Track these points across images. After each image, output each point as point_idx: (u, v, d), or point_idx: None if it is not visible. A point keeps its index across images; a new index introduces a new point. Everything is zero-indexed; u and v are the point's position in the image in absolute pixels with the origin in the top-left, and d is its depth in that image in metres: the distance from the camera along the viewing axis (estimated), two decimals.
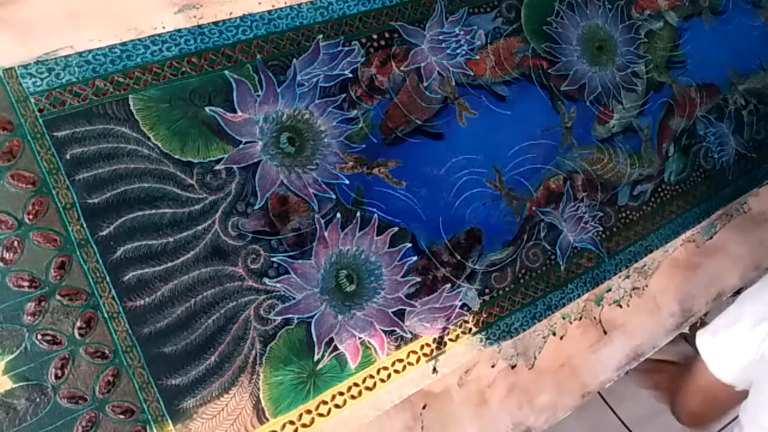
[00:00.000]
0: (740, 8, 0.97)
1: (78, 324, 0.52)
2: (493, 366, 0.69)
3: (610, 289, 0.77)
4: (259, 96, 0.62)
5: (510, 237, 0.72)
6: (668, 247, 0.82)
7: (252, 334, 0.58)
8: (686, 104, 0.88)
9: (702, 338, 0.67)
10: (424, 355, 0.65)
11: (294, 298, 0.60)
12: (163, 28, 0.60)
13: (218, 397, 0.55)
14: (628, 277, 0.78)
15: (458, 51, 0.73)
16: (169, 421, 0.53)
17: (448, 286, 0.67)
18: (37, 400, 0.50)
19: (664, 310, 0.80)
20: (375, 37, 0.69)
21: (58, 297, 0.52)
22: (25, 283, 0.51)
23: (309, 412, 0.59)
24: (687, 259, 0.83)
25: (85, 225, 0.54)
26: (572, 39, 0.81)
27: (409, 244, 0.66)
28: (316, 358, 0.60)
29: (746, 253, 0.87)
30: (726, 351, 0.64)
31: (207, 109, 0.60)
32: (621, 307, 0.77)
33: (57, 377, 0.51)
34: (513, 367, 0.70)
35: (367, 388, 0.62)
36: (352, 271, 0.63)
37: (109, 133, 0.56)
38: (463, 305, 0.68)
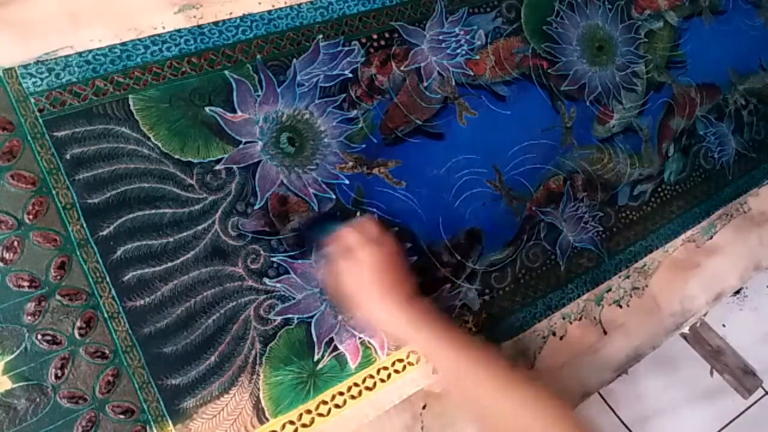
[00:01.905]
0: (740, 8, 0.97)
1: (78, 324, 0.52)
2: None
3: (610, 289, 0.77)
4: (259, 96, 0.62)
5: (510, 237, 0.72)
6: (668, 247, 0.82)
7: (252, 334, 0.58)
8: (686, 104, 0.88)
9: None
10: None
11: (294, 298, 0.60)
12: (163, 28, 0.60)
13: (218, 397, 0.55)
14: (628, 277, 0.78)
15: (458, 51, 0.73)
16: (169, 421, 0.53)
17: (448, 286, 0.67)
18: (37, 400, 0.50)
19: (664, 310, 0.80)
20: (375, 37, 0.69)
21: (58, 297, 0.52)
22: (25, 283, 0.51)
23: (309, 412, 0.59)
24: (687, 259, 0.83)
25: (85, 225, 0.54)
26: (572, 39, 0.81)
27: (409, 244, 0.66)
28: (316, 358, 0.60)
29: (746, 253, 0.87)
30: None
31: (207, 109, 0.60)
32: (621, 307, 0.77)
33: (57, 377, 0.51)
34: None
35: (367, 388, 0.62)
36: None
37: (109, 133, 0.56)
38: (463, 305, 0.68)
